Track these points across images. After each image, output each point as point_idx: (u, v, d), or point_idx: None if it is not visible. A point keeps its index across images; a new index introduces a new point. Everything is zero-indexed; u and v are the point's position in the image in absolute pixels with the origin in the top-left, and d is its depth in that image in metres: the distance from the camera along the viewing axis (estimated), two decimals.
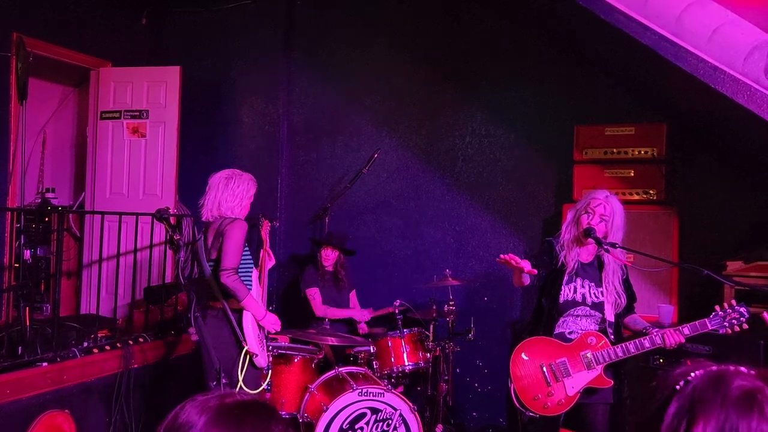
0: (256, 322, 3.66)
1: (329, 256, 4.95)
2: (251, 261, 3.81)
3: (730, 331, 3.00)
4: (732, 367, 0.94)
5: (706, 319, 3.04)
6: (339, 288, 5.03)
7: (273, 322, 3.77)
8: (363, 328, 4.94)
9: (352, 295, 5.17)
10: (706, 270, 3.09)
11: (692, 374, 0.94)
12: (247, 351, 3.58)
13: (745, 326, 2.97)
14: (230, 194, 3.74)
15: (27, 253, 5.05)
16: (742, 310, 2.99)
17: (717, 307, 3.05)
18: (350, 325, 5.00)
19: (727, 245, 4.31)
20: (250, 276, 3.76)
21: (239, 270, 3.61)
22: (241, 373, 3.54)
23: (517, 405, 3.16)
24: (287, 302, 5.82)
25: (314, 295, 4.92)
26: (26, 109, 4.95)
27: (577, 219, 3.29)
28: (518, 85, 5.14)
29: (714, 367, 0.94)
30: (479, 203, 5.26)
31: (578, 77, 4.91)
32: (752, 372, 0.93)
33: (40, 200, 6.01)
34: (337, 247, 4.96)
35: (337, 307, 4.95)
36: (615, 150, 4.49)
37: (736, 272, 4.00)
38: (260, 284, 3.91)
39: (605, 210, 3.25)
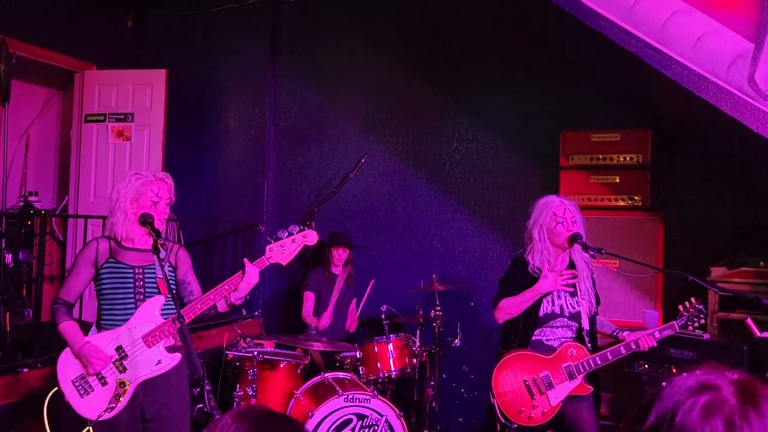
0: (73, 354, 2.86)
1: (342, 256, 4.94)
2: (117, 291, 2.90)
3: (691, 327, 3.18)
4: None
5: (674, 321, 3.17)
6: (348, 289, 4.99)
7: (87, 355, 2.80)
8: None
9: (353, 302, 5.13)
10: (691, 276, 3.12)
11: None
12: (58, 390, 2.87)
13: (703, 320, 3.17)
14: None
15: (8, 257, 4.98)
16: (700, 307, 3.16)
17: (680, 307, 3.19)
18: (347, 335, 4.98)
19: (712, 251, 4.35)
20: (115, 311, 2.89)
21: (103, 307, 2.91)
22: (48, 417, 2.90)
23: (502, 419, 3.17)
24: (280, 307, 5.79)
25: (308, 298, 4.90)
26: (9, 111, 4.89)
27: (549, 232, 3.25)
28: (505, 91, 5.16)
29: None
30: (466, 208, 5.27)
31: (565, 84, 4.94)
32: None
33: (22, 203, 5.94)
34: (347, 245, 4.96)
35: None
36: (601, 156, 4.52)
37: (720, 278, 4.04)
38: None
39: (573, 212, 3.26)
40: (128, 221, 2.91)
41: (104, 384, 2.83)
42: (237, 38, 5.91)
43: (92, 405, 2.81)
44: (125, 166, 5.63)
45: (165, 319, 2.86)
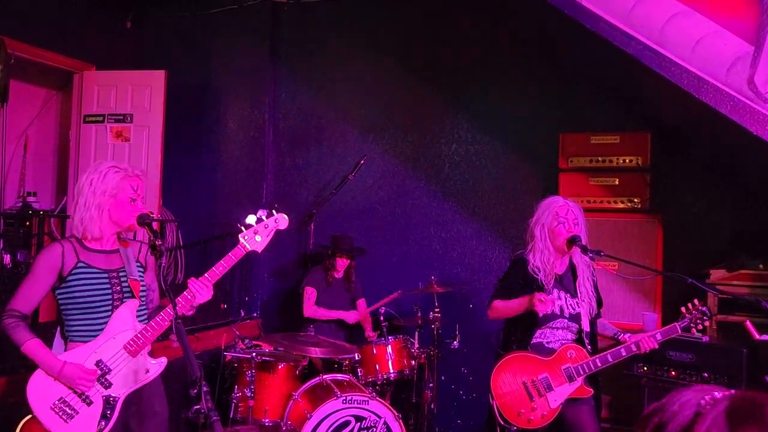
0: (48, 376, 2.57)
1: (345, 263, 4.95)
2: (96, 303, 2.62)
3: (694, 330, 3.10)
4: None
5: (676, 323, 3.12)
6: (347, 292, 5.00)
7: (71, 377, 2.53)
8: (370, 336, 4.87)
9: (361, 302, 5.07)
10: (690, 278, 3.11)
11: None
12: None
13: (707, 323, 3.11)
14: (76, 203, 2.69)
15: (7, 258, 4.97)
16: (703, 309, 3.10)
17: (683, 309, 3.14)
18: (347, 329, 4.96)
19: (712, 253, 4.34)
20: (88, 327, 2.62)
21: (73, 317, 2.62)
22: None
23: (501, 422, 3.16)
24: (279, 308, 5.78)
25: (310, 294, 4.90)
26: (7, 111, 4.89)
27: (549, 232, 3.26)
28: (504, 93, 5.16)
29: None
30: (465, 210, 5.26)
31: (564, 86, 4.94)
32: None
33: (21, 204, 5.92)
34: (351, 256, 4.94)
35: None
36: (600, 158, 4.52)
37: (720, 281, 4.03)
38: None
39: (575, 214, 3.26)
40: (103, 219, 2.63)
41: (89, 404, 2.57)
42: (237, 39, 5.90)
43: (79, 429, 2.54)
44: None
45: (142, 323, 2.66)
